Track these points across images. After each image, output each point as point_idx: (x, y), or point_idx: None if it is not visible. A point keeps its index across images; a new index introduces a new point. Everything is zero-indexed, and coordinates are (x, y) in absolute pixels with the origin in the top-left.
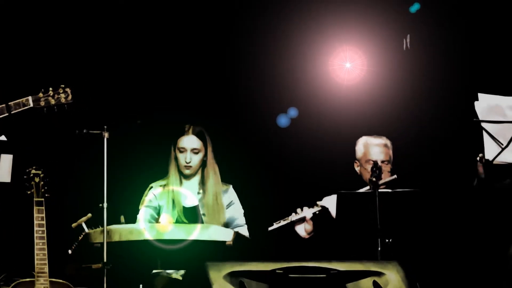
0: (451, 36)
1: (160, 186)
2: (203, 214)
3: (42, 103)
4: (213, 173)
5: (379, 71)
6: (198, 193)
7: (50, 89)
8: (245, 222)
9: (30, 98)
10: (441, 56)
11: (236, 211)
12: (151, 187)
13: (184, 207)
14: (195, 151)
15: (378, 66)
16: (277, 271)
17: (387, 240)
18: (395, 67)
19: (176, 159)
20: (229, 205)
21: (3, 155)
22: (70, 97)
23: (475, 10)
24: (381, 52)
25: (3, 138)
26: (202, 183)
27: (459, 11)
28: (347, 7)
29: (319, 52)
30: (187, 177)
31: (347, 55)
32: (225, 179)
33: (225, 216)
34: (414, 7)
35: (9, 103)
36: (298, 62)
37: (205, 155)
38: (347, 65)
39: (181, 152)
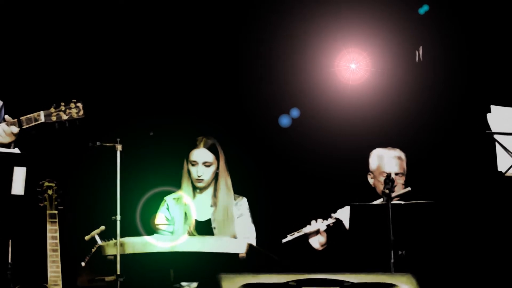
0: (462, 43)
1: (174, 199)
2: (214, 228)
3: (54, 118)
4: (224, 186)
5: (383, 72)
6: (211, 206)
7: (62, 103)
8: (252, 236)
9: (42, 113)
10: (452, 68)
11: (243, 223)
12: (165, 200)
13: (196, 221)
14: (206, 164)
15: (382, 68)
16: (291, 283)
17: (400, 252)
18: (399, 68)
19: (188, 172)
20: (237, 217)
21: (16, 168)
22: (81, 112)
23: (487, 18)
24: (386, 54)
25: (16, 150)
26: (215, 196)
27: (470, 17)
28: (352, 10)
29: (325, 54)
30: (200, 190)
31: (352, 57)
32: (239, 190)
33: (235, 229)
34: (423, 9)
35: (20, 118)
36: (305, 63)
37: (218, 167)
38: (352, 66)
39: (193, 165)
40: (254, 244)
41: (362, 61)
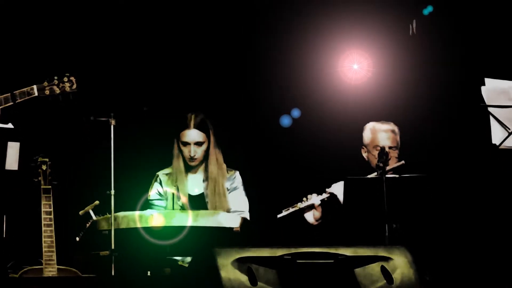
0: (456, 21)
1: (166, 174)
2: (207, 202)
3: (47, 92)
4: (215, 161)
5: (385, 72)
6: (204, 181)
7: (55, 77)
8: (246, 210)
9: (35, 87)
10: (446, 42)
11: (237, 197)
12: (157, 176)
13: (189, 195)
14: (198, 143)
15: (384, 68)
16: (285, 257)
17: (394, 226)
18: (399, 63)
19: (180, 151)
20: (231, 190)
21: (10, 143)
22: (74, 86)
23: None
24: (387, 54)
25: (10, 126)
26: (206, 170)
27: None
28: (355, 13)
29: (329, 55)
30: (193, 168)
31: (355, 57)
32: (234, 165)
33: (228, 204)
34: (427, 10)
35: (14, 92)
36: (310, 64)
37: (209, 144)
38: (355, 67)
39: (184, 145)
40: (248, 217)
41: (364, 61)
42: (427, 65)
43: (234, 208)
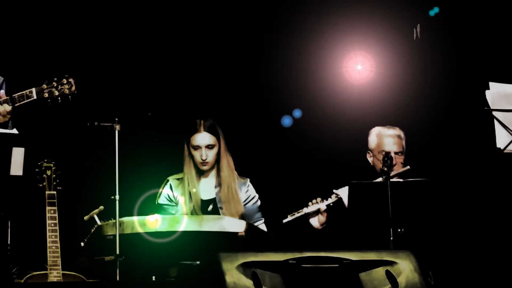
0: (461, 24)
1: (177, 179)
2: (220, 208)
3: (46, 95)
4: (226, 165)
5: (387, 73)
6: (216, 187)
7: (54, 79)
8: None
9: (33, 89)
10: (450, 45)
11: (255, 206)
12: (168, 181)
13: (202, 200)
14: (209, 147)
15: (386, 68)
16: (290, 261)
17: (399, 230)
18: (403, 66)
19: (191, 156)
20: (248, 200)
21: (14, 149)
22: (73, 88)
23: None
24: (391, 56)
25: (15, 131)
26: (218, 175)
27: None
28: (359, 14)
29: (334, 56)
30: (204, 173)
31: (358, 58)
32: (240, 172)
33: (242, 207)
34: (433, 11)
35: (13, 95)
36: (315, 65)
37: (219, 148)
38: (358, 67)
39: (195, 149)
40: (264, 226)
41: (367, 62)
42: (431, 68)
43: (255, 217)
